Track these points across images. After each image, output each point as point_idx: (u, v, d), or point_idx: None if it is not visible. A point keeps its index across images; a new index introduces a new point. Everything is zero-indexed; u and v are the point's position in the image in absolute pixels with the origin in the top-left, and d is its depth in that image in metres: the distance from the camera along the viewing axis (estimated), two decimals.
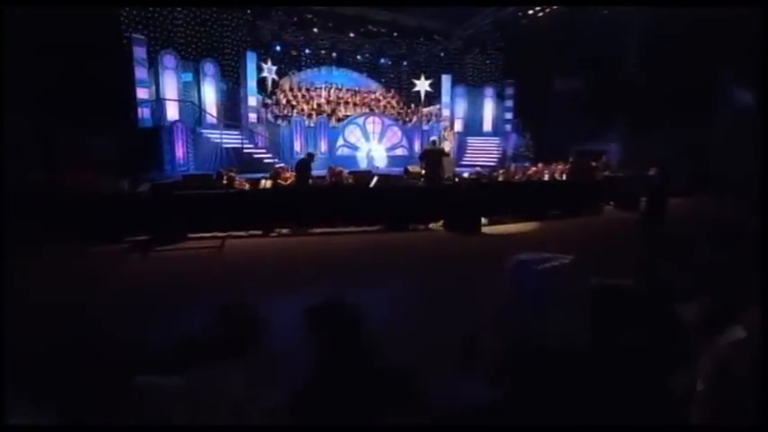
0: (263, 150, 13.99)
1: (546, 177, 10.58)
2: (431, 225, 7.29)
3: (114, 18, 13.72)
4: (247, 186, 8.56)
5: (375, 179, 8.85)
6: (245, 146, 13.37)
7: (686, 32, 13.33)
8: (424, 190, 7.73)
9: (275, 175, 8.54)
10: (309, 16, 15.02)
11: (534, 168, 10.78)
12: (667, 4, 12.91)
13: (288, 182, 8.42)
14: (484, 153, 18.24)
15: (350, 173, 9.89)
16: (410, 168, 9.22)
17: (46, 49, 10.95)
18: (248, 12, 15.22)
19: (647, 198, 6.61)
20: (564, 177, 10.62)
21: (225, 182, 7.77)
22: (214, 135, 13.17)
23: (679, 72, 13.83)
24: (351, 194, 7.43)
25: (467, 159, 18.04)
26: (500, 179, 9.10)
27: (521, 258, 2.12)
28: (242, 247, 6.23)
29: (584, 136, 17.06)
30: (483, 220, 7.50)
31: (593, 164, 10.20)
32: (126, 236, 6.11)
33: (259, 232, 6.97)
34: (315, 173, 10.96)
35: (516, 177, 10.39)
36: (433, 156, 8.01)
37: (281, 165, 10.59)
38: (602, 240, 6.75)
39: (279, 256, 5.70)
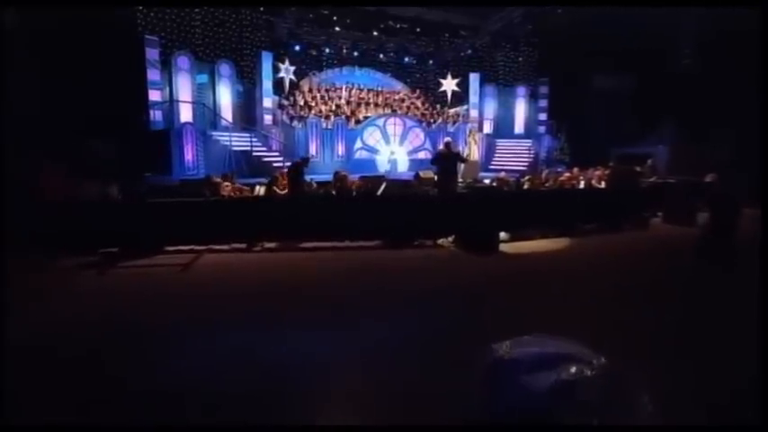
0: (276, 153, 13.34)
1: (581, 184, 9.27)
2: (440, 240, 6.25)
3: (129, 19, 13.50)
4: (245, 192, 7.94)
5: (383, 186, 7.90)
6: (255, 149, 12.72)
7: (747, 21, 11.64)
8: (435, 199, 6.70)
9: (273, 180, 7.73)
10: (326, 12, 14.24)
11: (568, 174, 9.47)
12: (669, 4, 12.00)
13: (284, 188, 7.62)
14: (514, 156, 16.99)
15: (361, 178, 9.01)
16: (422, 174, 8.19)
17: (54, 47, 10.76)
18: (261, 9, 14.63)
19: (711, 211, 5.28)
20: (602, 185, 9.29)
21: (213, 188, 7.05)
22: (224, 138, 12.62)
23: (740, 63, 12.11)
24: (348, 203, 6.50)
25: (496, 163, 16.90)
26: (525, 186, 7.91)
27: (508, 354, 1.04)
28: (214, 264, 5.42)
29: (626, 138, 15.60)
30: (504, 236, 6.39)
31: (638, 169, 8.81)
32: (85, 248, 5.43)
33: (243, 246, 6.19)
34: (322, 178, 10.19)
35: (547, 184, 9.15)
36: (446, 160, 6.96)
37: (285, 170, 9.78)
38: (649, 268, 5.49)
39: (250, 279, 4.84)
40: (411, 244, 6.16)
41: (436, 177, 7.26)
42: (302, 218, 6.13)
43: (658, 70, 14.30)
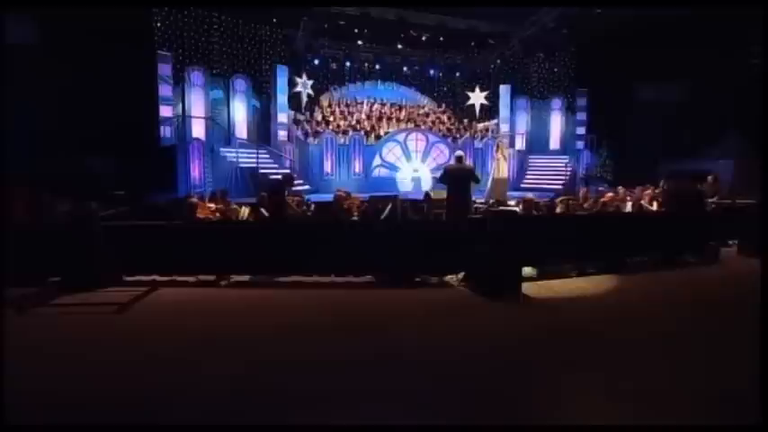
0: (287, 170, 12.49)
1: (628, 206, 7.77)
2: (448, 277, 4.99)
3: (143, 34, 13.24)
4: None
5: (389, 207, 6.74)
6: (262, 165, 11.94)
7: None
8: (443, 224, 5.49)
9: (260, 200, 6.78)
10: (342, 23, 13.49)
11: (611, 194, 7.98)
12: (669, 4, 11.25)
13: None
14: (549, 174, 15.50)
15: (370, 198, 7.92)
16: (432, 193, 6.98)
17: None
18: (274, 21, 14.06)
19: None
20: (654, 206, 7.76)
21: (190, 209, 6.13)
22: (231, 154, 11.95)
23: None
24: (337, 229, 5.38)
25: (528, 181, 15.48)
26: (558, 209, 6.52)
27: None
28: (162, 303, 4.40)
29: (678, 152, 13.87)
30: (528, 272, 5.08)
31: (699, 187, 7.25)
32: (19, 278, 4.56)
33: (212, 278, 5.19)
34: (319, 197, 9.21)
35: (586, 205, 7.70)
36: (456, 177, 5.74)
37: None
38: (734, 319, 4.02)
39: (194, 326, 3.77)
40: (411, 281, 4.94)
41: (446, 198, 6.04)
42: (279, 246, 5.07)
43: (716, 74, 12.54)
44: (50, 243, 4.89)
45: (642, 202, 8.07)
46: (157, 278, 5.18)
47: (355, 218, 6.76)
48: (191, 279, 5.21)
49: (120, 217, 6.43)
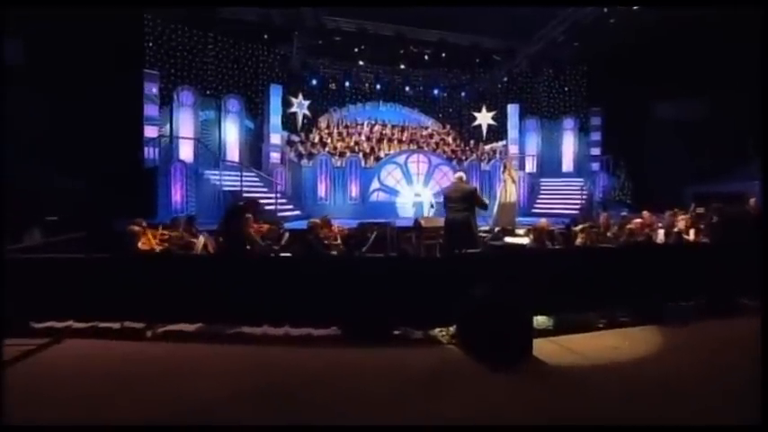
0: (273, 196, 11.53)
1: (660, 234, 6.57)
2: (435, 331, 3.84)
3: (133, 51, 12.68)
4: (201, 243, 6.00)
5: (372, 238, 5.69)
6: (249, 189, 11.05)
7: None
8: (432, 262, 4.38)
9: (219, 229, 5.76)
10: (338, 39, 12.80)
11: (639, 220, 6.78)
12: (668, 4, 10.78)
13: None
14: (563, 197, 14.37)
15: (359, 225, 6.88)
16: (423, 221, 5.86)
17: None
18: (265, 36, 13.43)
19: None
20: (691, 234, 6.57)
21: (130, 239, 5.13)
22: (215, 176, 11.10)
23: None
24: (299, 266, 4.30)
25: (540, 206, 14.34)
26: (579, 240, 5.33)
27: None
28: (53, 363, 3.35)
29: (703, 174, 12.72)
30: (542, 323, 3.91)
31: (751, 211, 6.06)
32: None
33: (141, 325, 4.13)
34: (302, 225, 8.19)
35: (609, 234, 6.53)
36: (455, 200, 4.66)
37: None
38: None
39: (85, 396, 2.69)
40: (388, 334, 3.80)
41: (444, 226, 4.93)
42: (222, 288, 4.00)
43: (740, 88, 11.46)
44: None
45: (674, 229, 6.88)
46: (74, 324, 4.15)
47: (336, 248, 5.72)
48: (115, 326, 4.17)
49: (54, 247, 5.46)
